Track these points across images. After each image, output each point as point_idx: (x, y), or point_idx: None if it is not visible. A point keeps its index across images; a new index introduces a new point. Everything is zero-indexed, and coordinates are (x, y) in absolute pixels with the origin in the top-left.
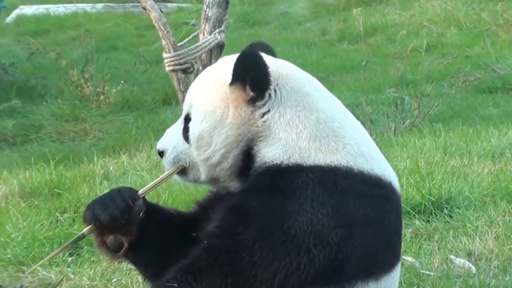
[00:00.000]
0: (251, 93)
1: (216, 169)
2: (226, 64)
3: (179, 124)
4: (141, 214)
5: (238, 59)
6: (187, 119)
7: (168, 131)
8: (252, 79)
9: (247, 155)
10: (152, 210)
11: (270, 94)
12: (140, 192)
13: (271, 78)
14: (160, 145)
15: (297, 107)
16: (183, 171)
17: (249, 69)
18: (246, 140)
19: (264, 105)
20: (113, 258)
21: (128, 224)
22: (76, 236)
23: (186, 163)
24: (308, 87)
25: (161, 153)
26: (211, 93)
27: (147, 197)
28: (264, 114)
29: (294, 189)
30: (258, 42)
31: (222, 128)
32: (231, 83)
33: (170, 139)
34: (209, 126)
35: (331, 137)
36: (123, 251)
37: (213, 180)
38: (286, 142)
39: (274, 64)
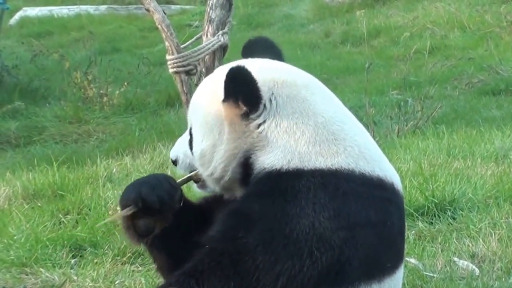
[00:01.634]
0: (244, 108)
1: (221, 182)
2: (219, 77)
3: (186, 135)
4: (181, 203)
5: (227, 76)
6: (191, 134)
7: (178, 140)
8: (243, 95)
9: (245, 164)
10: (185, 200)
11: (265, 105)
12: (178, 181)
13: (262, 91)
14: (173, 154)
15: (294, 114)
16: (202, 185)
17: (238, 86)
18: (243, 152)
19: (259, 116)
20: (138, 242)
21: (168, 210)
22: (115, 214)
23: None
24: (305, 92)
25: (175, 162)
26: (206, 112)
27: None
28: (259, 125)
29: (295, 193)
30: (259, 38)
31: (220, 145)
32: (224, 101)
33: (180, 148)
34: (208, 145)
35: (331, 140)
36: (153, 236)
37: (224, 190)
38: (284, 148)
39: (269, 72)
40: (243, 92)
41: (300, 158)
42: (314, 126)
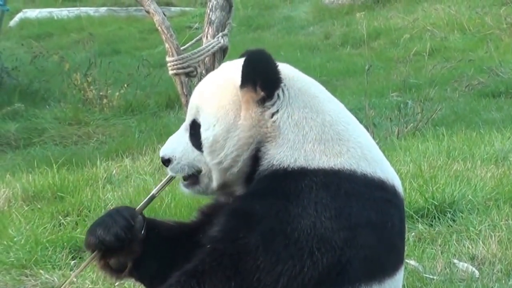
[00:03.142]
0: (262, 93)
1: (227, 174)
2: (232, 68)
3: (184, 131)
4: (142, 231)
5: (247, 59)
6: (195, 125)
7: (171, 138)
8: (262, 78)
9: (255, 158)
10: (152, 225)
11: (278, 94)
12: (137, 209)
13: (282, 76)
14: (166, 151)
15: (305, 108)
16: (193, 182)
17: (259, 68)
18: (256, 143)
19: (273, 105)
20: (118, 279)
21: (131, 243)
22: (85, 262)
23: (199, 170)
24: (314, 88)
25: (167, 161)
26: (221, 97)
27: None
28: (273, 114)
29: (298, 193)
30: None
31: (235, 130)
32: (242, 85)
33: (176, 146)
34: (222, 129)
35: (335, 140)
36: (128, 270)
37: (222, 187)
38: (293, 143)
39: (280, 66)
40: (263, 74)
41: (306, 156)
42: (322, 124)
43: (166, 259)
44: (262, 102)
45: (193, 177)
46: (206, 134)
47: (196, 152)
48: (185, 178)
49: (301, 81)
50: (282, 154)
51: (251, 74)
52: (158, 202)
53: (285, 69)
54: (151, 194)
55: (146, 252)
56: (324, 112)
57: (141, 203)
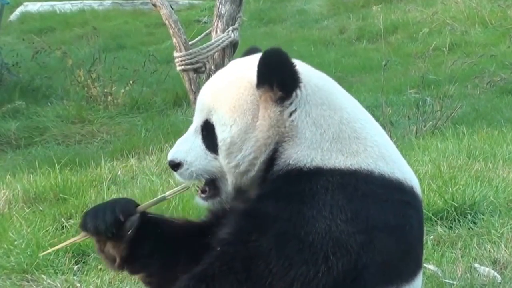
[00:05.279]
0: (279, 93)
1: (243, 178)
2: (245, 65)
3: (193, 133)
4: (130, 232)
5: (264, 59)
6: (208, 127)
7: (180, 141)
8: (280, 78)
9: (271, 160)
10: (153, 223)
11: (296, 93)
12: (140, 207)
13: (300, 76)
14: (176, 155)
15: (322, 105)
16: (213, 194)
17: (277, 68)
18: (274, 144)
19: (291, 104)
20: (110, 268)
21: (117, 239)
22: (70, 239)
23: (215, 175)
24: (329, 84)
25: (177, 165)
26: (237, 96)
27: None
28: (291, 114)
29: (313, 194)
30: (253, 47)
31: (253, 131)
32: (259, 84)
33: (188, 150)
34: (240, 130)
35: (352, 138)
36: (117, 264)
37: (237, 191)
38: (311, 142)
39: (295, 62)
40: (281, 74)
41: (322, 156)
42: (339, 122)
43: (166, 259)
44: (281, 101)
45: (211, 188)
46: (222, 136)
47: (210, 156)
48: (202, 191)
49: (317, 77)
50: (299, 154)
51: (268, 74)
52: (166, 204)
53: (300, 65)
54: (162, 196)
55: (139, 251)
56: (342, 109)
57: (148, 202)
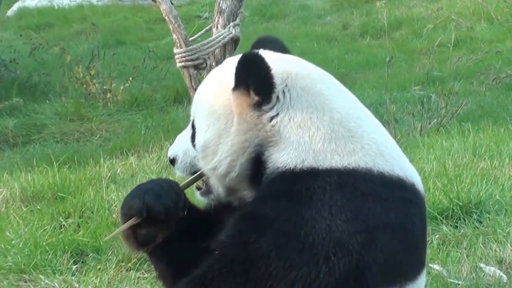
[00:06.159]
0: (256, 98)
1: (226, 180)
2: (229, 67)
3: (188, 129)
4: (184, 212)
5: (239, 62)
6: (193, 126)
7: (178, 137)
8: (255, 83)
9: (257, 161)
10: (189, 207)
11: (278, 97)
12: (181, 185)
13: (276, 81)
14: (171, 151)
15: (309, 108)
16: (207, 191)
17: (251, 72)
18: (255, 146)
19: (272, 108)
20: (138, 251)
21: (169, 220)
22: (119, 228)
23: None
24: (320, 85)
25: (172, 161)
26: (213, 101)
27: None
28: (272, 118)
29: (310, 194)
30: (265, 37)
31: (227, 136)
32: (234, 88)
33: (180, 145)
34: (213, 135)
35: (347, 137)
36: (153, 246)
37: (230, 193)
38: (298, 145)
39: (283, 63)
40: (255, 79)
41: (315, 157)
42: (330, 122)
43: (188, 246)
44: (258, 106)
45: (206, 184)
46: (198, 139)
47: (195, 152)
48: (198, 187)
49: (305, 78)
50: (286, 157)
51: (243, 77)
52: None
53: (289, 66)
54: (200, 172)
55: (177, 232)
56: (332, 109)
57: (187, 180)
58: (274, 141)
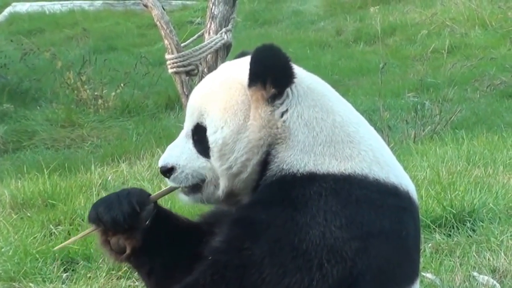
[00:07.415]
0: (272, 90)
1: (235, 180)
2: (234, 67)
3: (184, 138)
4: (147, 222)
5: (255, 55)
6: (199, 130)
7: (171, 147)
8: (273, 74)
9: (265, 164)
10: (163, 216)
11: (287, 93)
12: (151, 197)
13: (294, 72)
14: (168, 160)
15: (314, 107)
16: (193, 189)
17: (270, 64)
18: (267, 146)
19: (282, 104)
20: (116, 260)
21: (132, 230)
22: (81, 233)
23: (205, 178)
24: (321, 87)
25: (169, 170)
26: (228, 97)
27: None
28: (283, 114)
29: (306, 200)
30: (244, 52)
31: (245, 132)
32: (251, 83)
33: (179, 154)
34: (231, 131)
35: (346, 142)
36: (126, 255)
37: (228, 196)
38: (303, 146)
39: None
40: (274, 70)
41: (315, 160)
42: (332, 125)
43: (169, 256)
44: (272, 100)
45: (195, 185)
46: (214, 137)
47: (202, 159)
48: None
49: (309, 78)
50: (292, 158)
51: (261, 70)
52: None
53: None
54: (170, 187)
55: (149, 243)
56: (334, 112)
57: (160, 191)
58: (283, 137)
